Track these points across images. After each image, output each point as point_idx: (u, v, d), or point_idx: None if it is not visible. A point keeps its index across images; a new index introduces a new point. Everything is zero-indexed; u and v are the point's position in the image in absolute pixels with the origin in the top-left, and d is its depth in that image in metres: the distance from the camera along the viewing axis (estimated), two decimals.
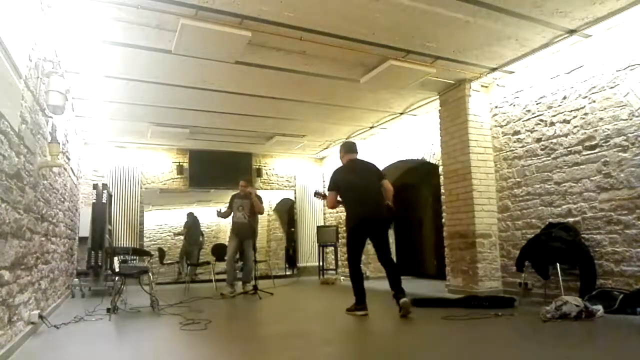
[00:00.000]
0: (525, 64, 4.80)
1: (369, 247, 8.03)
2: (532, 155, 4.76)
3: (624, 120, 3.87)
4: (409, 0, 3.48)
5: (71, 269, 6.16)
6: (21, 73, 2.79)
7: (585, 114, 4.22)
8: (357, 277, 4.15)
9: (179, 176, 8.31)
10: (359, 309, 4.05)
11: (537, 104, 4.75)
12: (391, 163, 7.38)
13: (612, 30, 3.98)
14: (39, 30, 3.28)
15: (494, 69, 4.99)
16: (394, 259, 4.18)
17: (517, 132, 4.97)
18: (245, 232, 6.01)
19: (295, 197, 9.68)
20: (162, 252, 8.69)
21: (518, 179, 4.94)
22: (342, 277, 8.18)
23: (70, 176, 5.65)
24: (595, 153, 4.12)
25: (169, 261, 8.76)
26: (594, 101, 4.14)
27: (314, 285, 7.55)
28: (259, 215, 6.42)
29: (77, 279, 6.08)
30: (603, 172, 4.03)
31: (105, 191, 6.50)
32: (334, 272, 8.47)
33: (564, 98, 4.44)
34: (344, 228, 9.18)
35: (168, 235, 9.86)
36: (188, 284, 6.64)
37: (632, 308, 3.53)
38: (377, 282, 7.53)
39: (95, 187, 6.51)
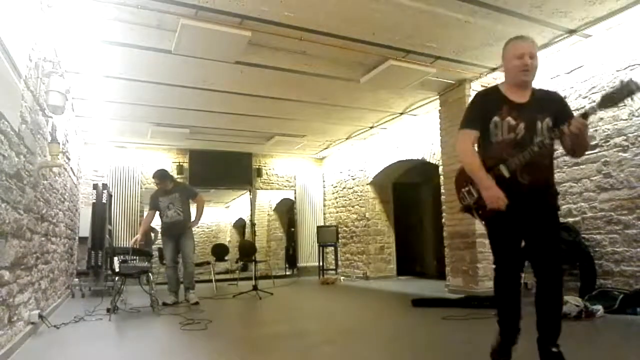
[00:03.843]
0: None
1: (371, 246, 8.19)
2: None
3: (624, 120, 3.87)
4: (409, 0, 3.49)
5: (71, 269, 6.16)
6: (21, 73, 2.79)
7: None
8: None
9: (179, 176, 8.28)
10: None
11: None
12: (391, 163, 7.38)
13: (612, 30, 3.98)
14: (39, 30, 3.28)
15: (494, 69, 4.99)
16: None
17: None
18: (179, 228, 5.31)
19: (295, 197, 9.67)
20: (162, 253, 8.68)
21: None
22: (342, 277, 8.19)
23: (70, 176, 5.65)
24: (595, 153, 4.12)
25: None
26: (594, 101, 4.13)
27: (314, 285, 7.55)
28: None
29: (77, 279, 6.09)
30: (603, 172, 4.03)
31: (105, 191, 6.50)
32: (334, 272, 8.47)
33: (564, 98, 4.43)
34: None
35: None
36: None
37: (632, 308, 3.53)
38: (376, 282, 7.54)
39: (95, 187, 6.51)
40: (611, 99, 1.97)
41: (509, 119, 2.13)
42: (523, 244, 2.17)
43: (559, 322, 2.02)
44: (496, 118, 2.15)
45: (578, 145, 2.21)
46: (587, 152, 4.13)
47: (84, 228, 6.69)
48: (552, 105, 2.18)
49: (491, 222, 2.20)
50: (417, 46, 4.35)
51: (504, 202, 2.01)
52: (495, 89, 2.30)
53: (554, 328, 2.03)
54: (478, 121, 2.21)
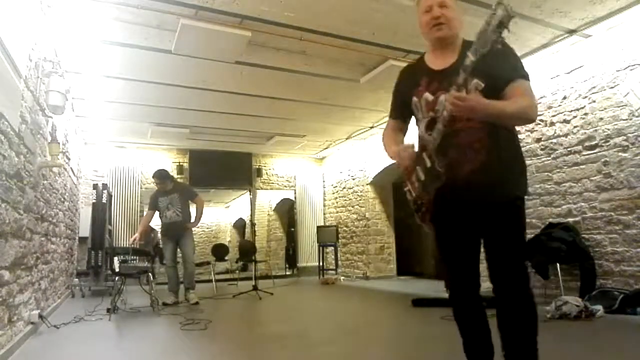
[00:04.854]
0: (525, 63, 4.78)
1: (371, 246, 8.18)
2: (532, 155, 4.76)
3: (624, 120, 3.87)
4: (409, 0, 3.49)
5: (71, 269, 6.16)
6: (21, 73, 2.79)
7: (585, 114, 4.22)
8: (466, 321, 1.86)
9: (179, 176, 8.29)
10: None
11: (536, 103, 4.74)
12: (391, 163, 7.36)
13: (612, 30, 3.98)
14: (39, 30, 3.28)
15: None
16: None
17: (516, 132, 4.96)
18: (178, 229, 5.34)
19: (295, 197, 9.67)
20: (162, 253, 8.68)
21: None
22: (342, 277, 8.19)
23: (70, 176, 5.65)
24: (595, 153, 4.12)
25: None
26: (594, 101, 4.14)
27: (314, 285, 7.55)
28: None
29: (77, 279, 6.09)
30: (603, 172, 4.03)
31: (105, 191, 6.50)
32: (334, 272, 8.47)
33: (564, 98, 4.44)
34: (346, 228, 9.29)
35: None
36: None
37: (632, 308, 3.53)
38: (376, 282, 7.53)
39: (95, 187, 6.51)
40: (484, 42, 1.37)
41: (427, 94, 1.67)
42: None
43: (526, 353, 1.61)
44: (415, 98, 1.71)
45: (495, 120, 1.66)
46: (588, 152, 4.17)
47: (84, 228, 6.69)
48: (483, 62, 1.41)
49: (434, 227, 1.79)
50: (417, 46, 4.34)
51: (409, 153, 1.65)
52: (418, 60, 1.82)
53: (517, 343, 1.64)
54: (398, 108, 1.85)
